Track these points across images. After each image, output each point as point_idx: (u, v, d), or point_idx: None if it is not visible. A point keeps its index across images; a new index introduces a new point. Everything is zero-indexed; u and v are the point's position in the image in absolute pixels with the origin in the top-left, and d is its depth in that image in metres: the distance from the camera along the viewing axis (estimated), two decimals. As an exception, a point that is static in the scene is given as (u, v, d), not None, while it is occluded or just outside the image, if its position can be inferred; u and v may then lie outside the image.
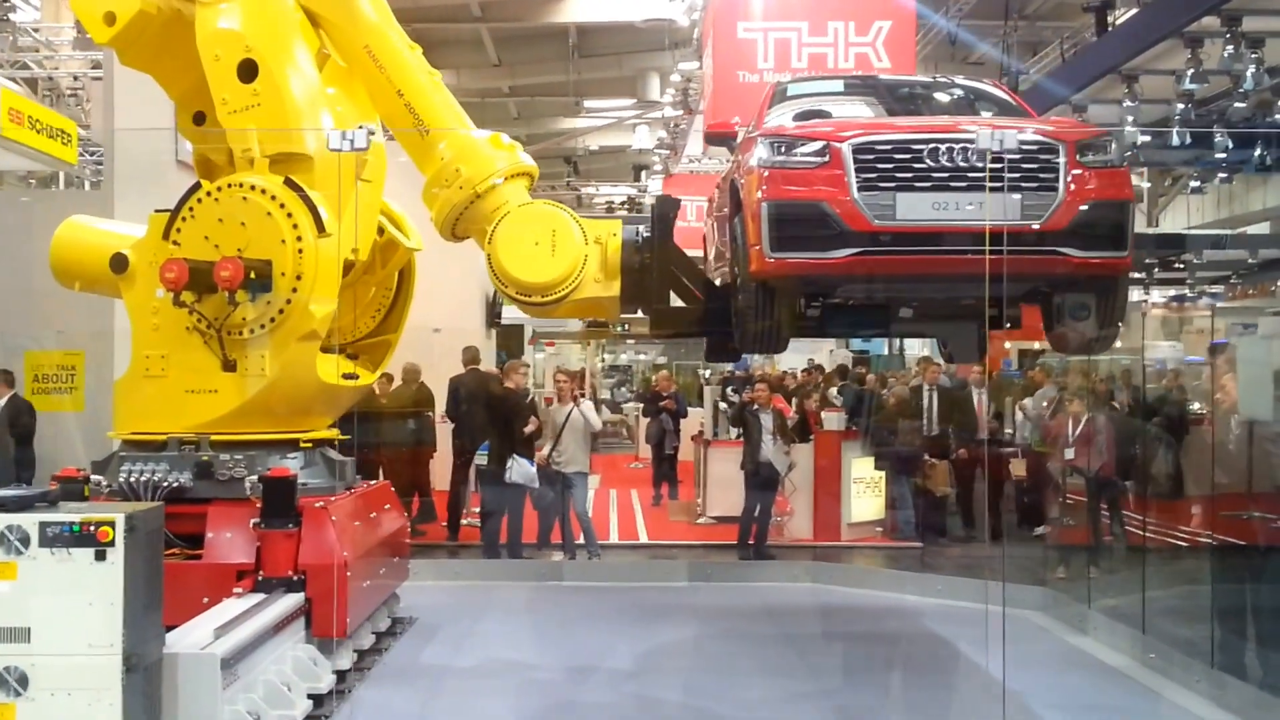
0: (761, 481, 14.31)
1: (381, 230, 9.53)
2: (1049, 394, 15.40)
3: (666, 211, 8.77)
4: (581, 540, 13.74)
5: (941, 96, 9.39)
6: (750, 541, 14.23)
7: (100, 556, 5.66)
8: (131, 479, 8.12)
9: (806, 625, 11.10)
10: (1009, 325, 8.35)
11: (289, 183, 8.32)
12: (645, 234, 8.68)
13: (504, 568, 12.67)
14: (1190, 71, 16.45)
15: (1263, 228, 27.72)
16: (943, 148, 7.10)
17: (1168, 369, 18.78)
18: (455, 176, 8.63)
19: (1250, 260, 25.57)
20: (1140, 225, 30.36)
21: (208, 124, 8.88)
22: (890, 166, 7.14)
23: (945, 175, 7.07)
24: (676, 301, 8.86)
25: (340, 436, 9.27)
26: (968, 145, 7.07)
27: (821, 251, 7.20)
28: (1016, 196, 7.02)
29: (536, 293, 8.51)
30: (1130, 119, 18.41)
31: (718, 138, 9.00)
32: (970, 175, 7.06)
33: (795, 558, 13.88)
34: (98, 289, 9.00)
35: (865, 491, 15.64)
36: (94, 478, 8.06)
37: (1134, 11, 17.83)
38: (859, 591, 12.06)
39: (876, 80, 9.68)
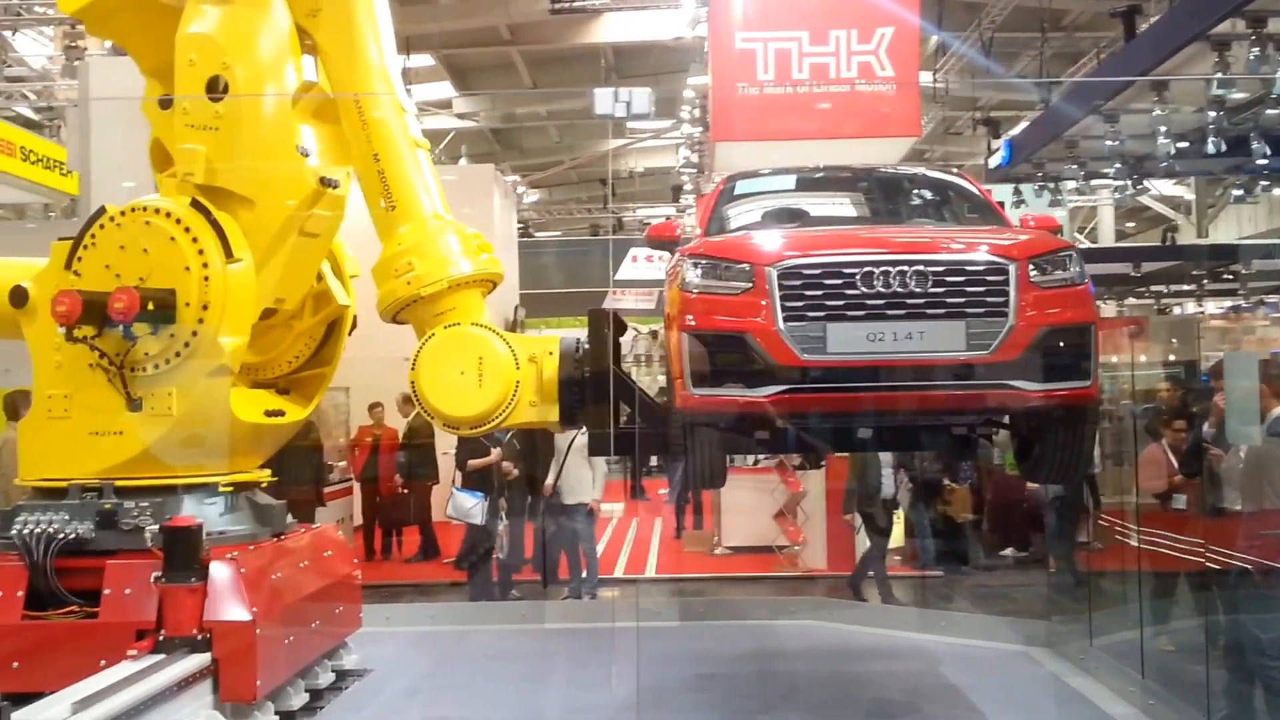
0: (883, 526, 13.21)
1: (320, 277, 8.88)
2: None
3: (602, 327, 8.04)
4: (584, 575, 13.06)
5: (902, 191, 8.55)
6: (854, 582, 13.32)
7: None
8: (25, 531, 7.46)
9: (789, 669, 10.27)
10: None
11: (195, 205, 7.67)
12: (586, 346, 8.03)
13: (482, 611, 11.93)
14: (1218, 76, 15.51)
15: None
16: (877, 271, 6.30)
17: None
18: (406, 269, 8.04)
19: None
20: (1189, 236, 29.40)
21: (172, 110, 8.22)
22: (819, 294, 6.34)
23: (881, 303, 6.28)
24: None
25: (268, 478, 8.58)
26: (905, 269, 6.28)
27: (746, 389, 6.40)
28: (960, 324, 6.24)
29: (464, 425, 7.98)
30: (1163, 128, 17.53)
31: (659, 243, 7.98)
32: (909, 303, 6.27)
33: (808, 591, 13.17)
34: (5, 333, 8.24)
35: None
36: (-21, 531, 7.45)
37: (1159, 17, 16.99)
38: (854, 629, 11.23)
39: (831, 174, 8.80)
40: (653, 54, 25.13)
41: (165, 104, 8.36)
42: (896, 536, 14.94)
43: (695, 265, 6.76)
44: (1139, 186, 21.53)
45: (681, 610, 11.88)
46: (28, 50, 22.06)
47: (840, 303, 6.31)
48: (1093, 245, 30.05)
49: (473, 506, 11.84)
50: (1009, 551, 15.19)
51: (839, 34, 14.27)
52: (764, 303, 6.37)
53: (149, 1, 8.23)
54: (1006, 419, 7.30)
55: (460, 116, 29.76)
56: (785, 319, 6.32)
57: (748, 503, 14.94)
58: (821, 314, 6.31)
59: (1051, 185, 22.25)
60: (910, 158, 31.10)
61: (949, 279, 6.31)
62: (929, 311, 6.26)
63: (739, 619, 11.73)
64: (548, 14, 23.09)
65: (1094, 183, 23.83)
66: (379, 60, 8.39)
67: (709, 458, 7.02)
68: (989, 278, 6.34)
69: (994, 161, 21.67)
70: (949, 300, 6.27)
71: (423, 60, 26.26)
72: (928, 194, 8.45)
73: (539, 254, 30.47)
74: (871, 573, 13.14)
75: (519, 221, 32.42)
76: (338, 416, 15.85)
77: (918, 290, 6.26)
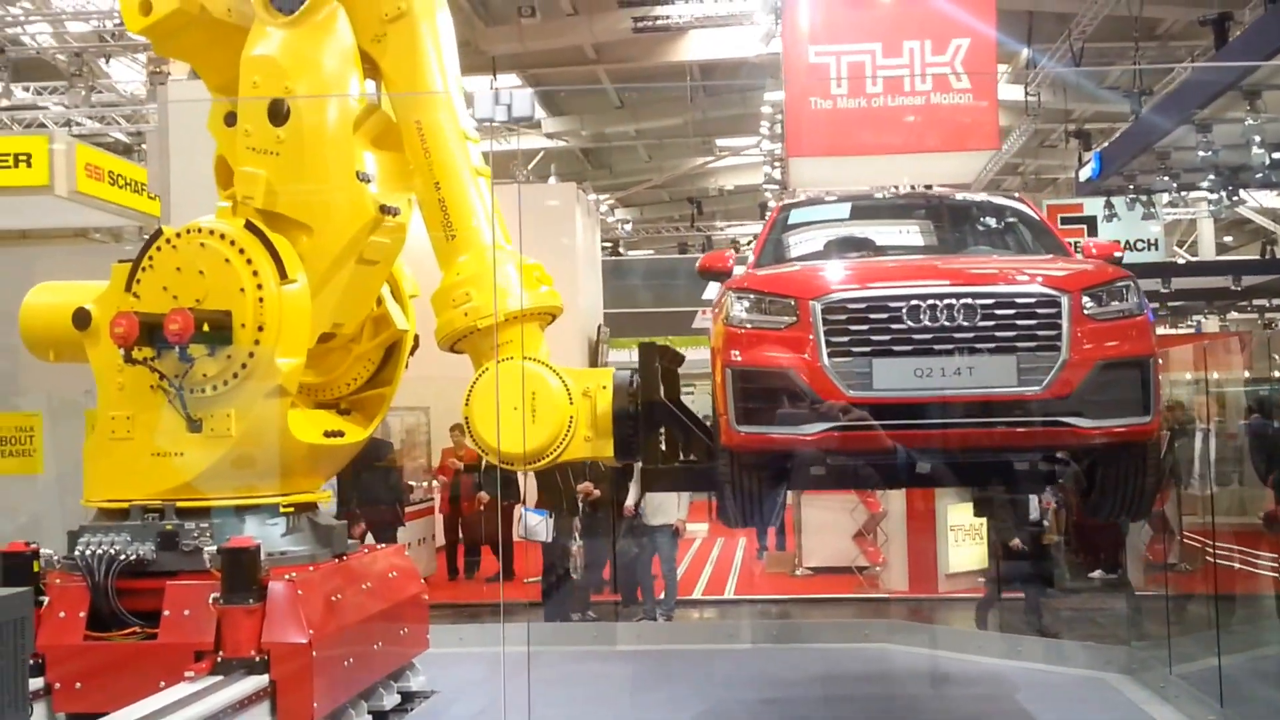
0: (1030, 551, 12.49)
1: (379, 300, 8.88)
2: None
3: (652, 360, 7.92)
4: (662, 597, 12.96)
5: (959, 218, 8.32)
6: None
7: (-69, 655, 5.01)
8: (87, 552, 7.53)
9: (858, 695, 10.06)
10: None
11: (250, 226, 7.70)
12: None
13: (555, 631, 11.86)
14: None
15: None
16: (924, 305, 6.14)
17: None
18: (464, 299, 7.94)
19: None
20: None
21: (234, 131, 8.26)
22: (864, 328, 6.19)
23: (928, 337, 6.11)
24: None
25: (329, 498, 8.60)
26: (953, 302, 6.12)
27: (792, 427, 6.25)
28: (1011, 359, 6.06)
29: (518, 462, 7.83)
30: (1256, 137, 17.07)
31: (710, 274, 7.78)
32: (957, 337, 6.10)
33: (888, 613, 12.93)
34: (70, 355, 8.33)
35: (964, 539, 14.56)
36: (45, 552, 7.52)
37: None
38: (931, 654, 10.97)
39: (886, 202, 8.62)
40: (740, 70, 25.05)
41: (230, 120, 8.42)
42: (979, 559, 14.70)
43: (740, 299, 6.65)
44: (1234, 198, 20.99)
45: (754, 633, 11.70)
46: (121, 76, 22.59)
47: (886, 337, 6.17)
48: (1191, 258, 29.42)
49: (538, 524, 11.82)
50: (1096, 574, 14.80)
51: (913, 45, 14.08)
52: (809, 338, 6.24)
53: (214, 20, 8.27)
54: (1066, 455, 7.05)
55: (549, 136, 29.91)
56: (830, 354, 6.19)
57: (828, 523, 14.75)
58: (867, 349, 6.17)
59: (1144, 198, 21.82)
60: (1003, 171, 30.90)
61: (998, 312, 6.13)
62: (978, 346, 6.10)
63: (813, 642, 11.53)
64: (631, 33, 23.12)
65: (1189, 195, 23.37)
66: (443, 87, 8.35)
67: (756, 495, 6.88)
68: (1040, 310, 6.16)
69: (1084, 175, 21.30)
70: (999, 334, 6.10)
71: (509, 80, 26.42)
72: (985, 221, 8.24)
73: (625, 273, 30.44)
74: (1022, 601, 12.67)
75: (609, 240, 32.50)
76: (418, 437, 15.93)
77: (966, 324, 6.10)
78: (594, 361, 21.41)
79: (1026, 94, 23.40)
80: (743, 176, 32.84)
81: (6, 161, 15.76)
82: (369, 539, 12.48)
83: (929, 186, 8.74)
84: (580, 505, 12.54)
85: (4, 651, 5.37)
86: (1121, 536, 13.83)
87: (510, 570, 15.30)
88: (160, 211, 14.02)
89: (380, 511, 14.04)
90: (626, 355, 26.79)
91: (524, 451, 7.69)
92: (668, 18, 22.67)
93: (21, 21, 20.61)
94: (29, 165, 15.80)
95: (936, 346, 6.11)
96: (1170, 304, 24.30)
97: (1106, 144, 22.06)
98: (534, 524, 11.84)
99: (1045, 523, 12.77)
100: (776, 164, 25.47)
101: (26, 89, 22.14)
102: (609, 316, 22.29)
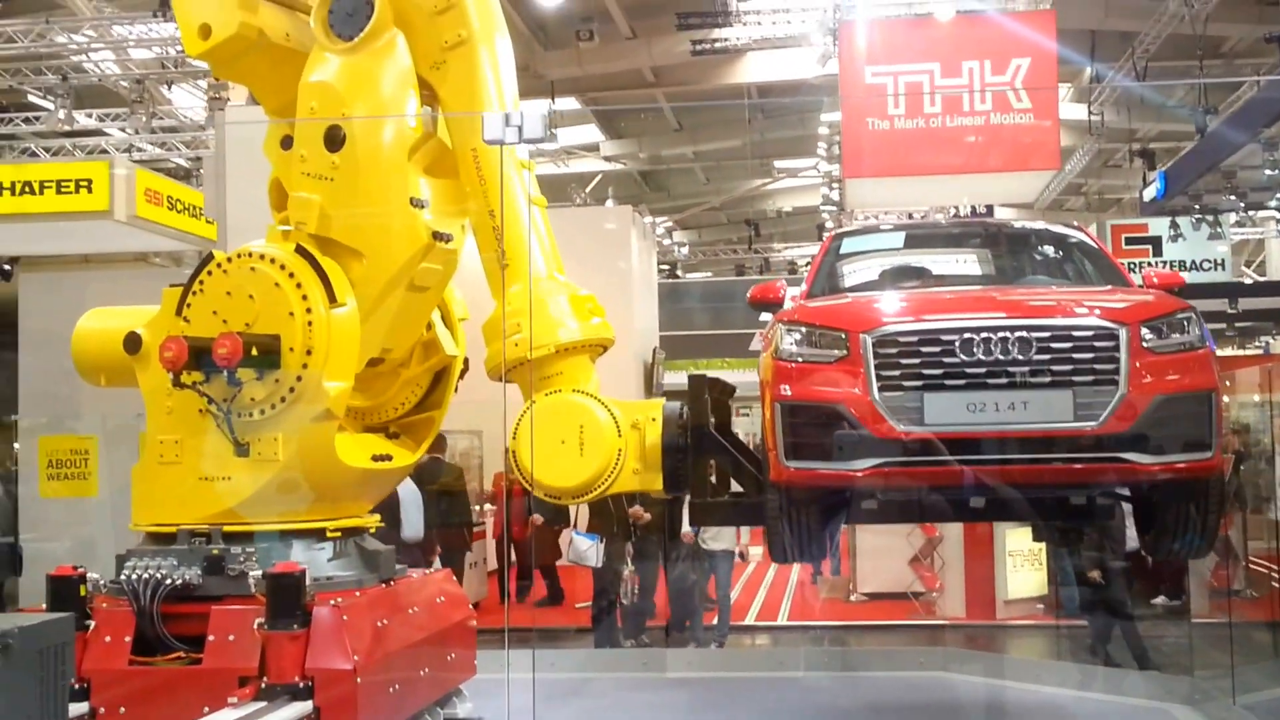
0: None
1: (429, 325, 8.84)
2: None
3: (701, 392, 7.81)
4: (715, 623, 12.83)
5: (1015, 247, 8.22)
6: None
7: (-32, 681, 4.97)
8: (133, 576, 7.51)
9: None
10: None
11: (300, 250, 7.68)
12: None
13: (604, 658, 11.76)
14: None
15: None
16: (977, 338, 6.03)
17: None
18: (515, 330, 7.88)
19: None
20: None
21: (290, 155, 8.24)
22: (916, 362, 6.10)
23: (981, 371, 6.01)
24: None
25: (376, 523, 8.54)
26: (1007, 335, 6.00)
27: (842, 462, 6.16)
28: (1067, 393, 5.93)
29: (566, 496, 7.83)
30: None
31: (761, 305, 7.68)
32: (1011, 371, 5.99)
33: (946, 640, 12.70)
34: (121, 380, 8.33)
35: (1023, 565, 14.32)
36: (91, 576, 7.51)
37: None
38: (988, 682, 10.75)
39: (941, 230, 8.51)
40: (798, 91, 24.99)
41: (286, 144, 8.41)
42: (1039, 585, 14.46)
43: (790, 332, 6.56)
44: (1303, 216, 20.65)
45: (808, 660, 11.53)
46: (183, 102, 22.86)
47: (938, 371, 6.08)
48: (1259, 278, 28.93)
49: (587, 549, 11.75)
50: (1160, 600, 14.49)
51: (972, 65, 13.92)
52: (859, 372, 6.14)
53: (272, 45, 8.26)
54: (1125, 490, 6.87)
55: (607, 159, 30.02)
56: (881, 389, 6.10)
57: (884, 547, 14.57)
58: (919, 383, 6.07)
59: (1210, 217, 21.47)
60: (1066, 191, 30.58)
61: (1054, 345, 6.02)
62: (1033, 380, 5.99)
63: (868, 670, 11.35)
64: (690, 56, 23.13)
65: (1257, 214, 22.98)
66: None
67: (807, 530, 6.77)
68: (1097, 343, 6.04)
69: (1149, 194, 21.00)
70: (1054, 368, 5.99)
71: (568, 104, 26.51)
72: (1042, 249, 8.11)
73: (681, 295, 30.38)
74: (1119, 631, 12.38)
75: (666, 263, 32.46)
76: (471, 460, 15.92)
77: (1020, 357, 6.00)
78: (649, 383, 21.36)
79: (1090, 113, 23.15)
80: (801, 198, 32.77)
81: (68, 187, 15.99)
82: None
83: (989, 207, 8.63)
84: (632, 529, 12.44)
85: (45, 677, 5.34)
86: (1184, 562, 13.52)
87: (560, 593, 15.28)
88: (217, 235, 14.14)
89: (449, 534, 14.08)
90: (683, 378, 26.72)
91: (571, 485, 7.63)
92: (726, 40, 22.63)
93: (86, 49, 20.89)
94: (89, 190, 16.02)
95: (990, 380, 6.01)
96: (1238, 325, 23.91)
97: (1171, 163, 21.74)
98: (583, 548, 11.76)
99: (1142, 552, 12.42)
100: (834, 185, 25.42)
101: (89, 115, 22.44)
102: (665, 339, 22.22)
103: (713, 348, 26.50)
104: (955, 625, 13.78)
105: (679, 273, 34.87)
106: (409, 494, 12.41)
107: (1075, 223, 9.42)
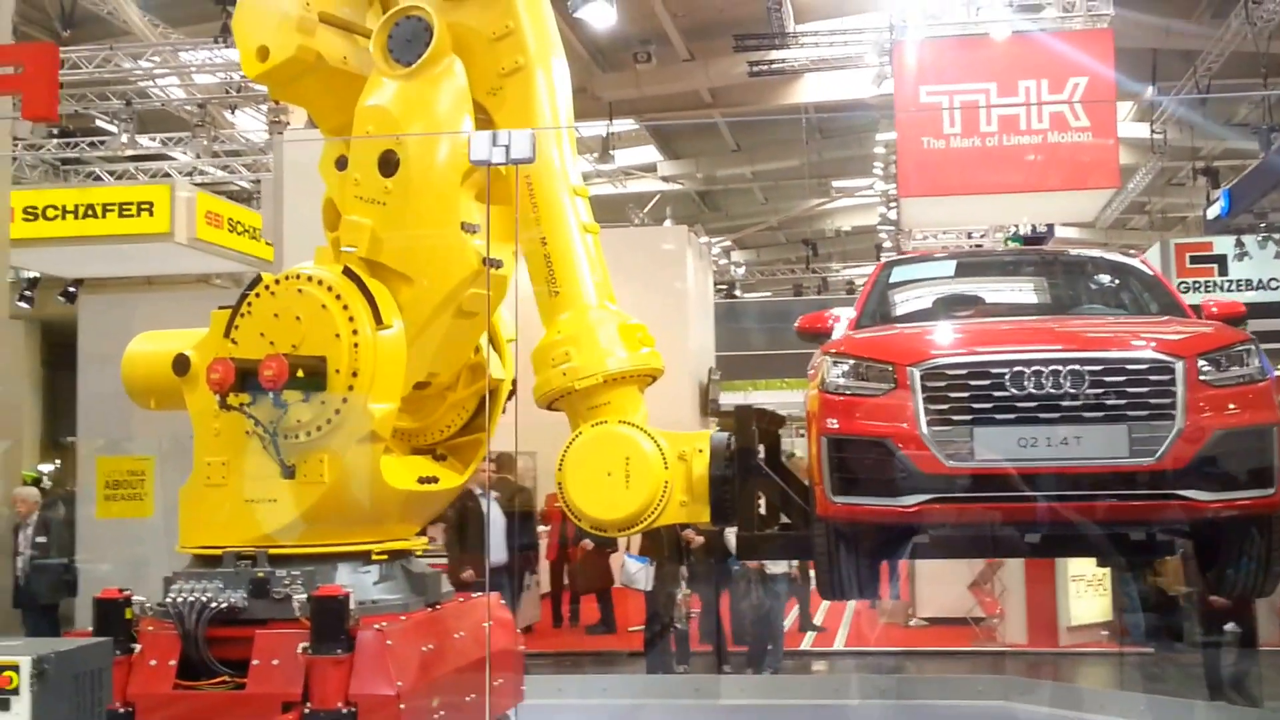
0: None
1: (477, 348, 8.80)
2: None
3: (748, 424, 7.66)
4: (770, 648, 12.67)
5: (1069, 276, 8.05)
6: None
7: (3, 706, 4.95)
8: (179, 599, 7.50)
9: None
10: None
11: (347, 272, 7.66)
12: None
13: (655, 684, 11.64)
14: None
15: None
16: (1028, 371, 5.87)
17: None
18: (563, 359, 7.82)
19: None
20: None
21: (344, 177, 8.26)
22: (965, 395, 5.95)
23: (1033, 405, 5.85)
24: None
25: (424, 545, 8.50)
26: (1059, 368, 5.84)
27: (890, 497, 6.03)
28: (1122, 428, 5.75)
29: (612, 528, 7.69)
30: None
31: (808, 335, 7.59)
32: (1064, 405, 5.82)
33: (1006, 668, 12.49)
34: (170, 403, 8.32)
35: (1086, 591, 14.07)
36: (137, 598, 7.51)
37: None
38: (1049, 712, 10.50)
39: (994, 259, 8.34)
40: (855, 112, 24.88)
41: (341, 164, 8.42)
42: (1103, 611, 14.20)
43: (836, 364, 6.44)
44: (1371, 237, 20.22)
45: (864, 688, 11.34)
46: (246, 126, 23.15)
47: (988, 405, 5.92)
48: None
49: (637, 572, 11.65)
50: (1229, 627, 14.14)
51: (1028, 84, 13.74)
52: (907, 405, 6.00)
53: (330, 68, 8.27)
54: (1184, 527, 6.68)
55: (665, 180, 30.03)
56: (929, 423, 5.95)
57: (943, 572, 14.36)
58: (968, 417, 5.92)
59: (1276, 236, 21.07)
60: (1129, 210, 30.18)
61: (1108, 379, 5.85)
62: (1086, 414, 5.82)
63: (926, 698, 11.15)
64: (747, 77, 23.09)
65: (1325, 233, 22.51)
66: (556, 142, 8.25)
67: (854, 566, 6.65)
68: (1153, 376, 5.86)
69: (1212, 212, 20.66)
70: (1108, 402, 5.81)
71: (626, 125, 26.56)
72: (1097, 279, 7.93)
73: (738, 315, 30.27)
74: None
75: (724, 283, 32.38)
76: (525, 482, 15.88)
77: (1073, 391, 5.82)
78: (704, 404, 21.24)
79: (1152, 131, 22.84)
80: (858, 218, 32.63)
81: (130, 210, 16.20)
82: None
83: (1050, 226, 8.48)
84: (685, 553, 12.33)
85: (82, 702, 5.33)
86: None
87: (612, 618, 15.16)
88: (274, 257, 14.24)
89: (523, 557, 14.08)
90: (742, 398, 26.75)
91: (617, 518, 7.54)
92: (783, 62, 22.57)
93: (150, 74, 21.19)
94: (150, 213, 16.23)
95: (1042, 415, 5.84)
96: (1306, 345, 23.45)
97: (1235, 181, 21.38)
98: (634, 571, 11.67)
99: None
100: (892, 205, 25.23)
101: (153, 139, 22.75)
102: (721, 359, 22.09)
103: (769, 368, 26.37)
104: (1017, 652, 13.56)
105: (737, 292, 34.80)
106: (498, 517, 12.31)
107: (1132, 250, 9.23)
